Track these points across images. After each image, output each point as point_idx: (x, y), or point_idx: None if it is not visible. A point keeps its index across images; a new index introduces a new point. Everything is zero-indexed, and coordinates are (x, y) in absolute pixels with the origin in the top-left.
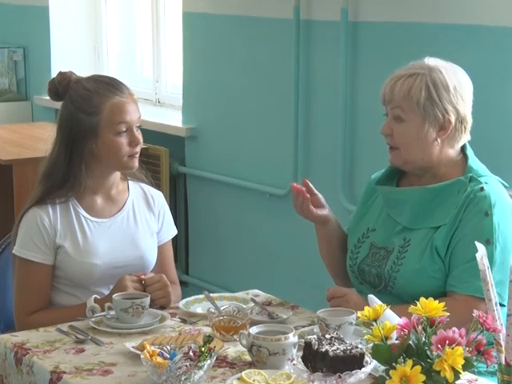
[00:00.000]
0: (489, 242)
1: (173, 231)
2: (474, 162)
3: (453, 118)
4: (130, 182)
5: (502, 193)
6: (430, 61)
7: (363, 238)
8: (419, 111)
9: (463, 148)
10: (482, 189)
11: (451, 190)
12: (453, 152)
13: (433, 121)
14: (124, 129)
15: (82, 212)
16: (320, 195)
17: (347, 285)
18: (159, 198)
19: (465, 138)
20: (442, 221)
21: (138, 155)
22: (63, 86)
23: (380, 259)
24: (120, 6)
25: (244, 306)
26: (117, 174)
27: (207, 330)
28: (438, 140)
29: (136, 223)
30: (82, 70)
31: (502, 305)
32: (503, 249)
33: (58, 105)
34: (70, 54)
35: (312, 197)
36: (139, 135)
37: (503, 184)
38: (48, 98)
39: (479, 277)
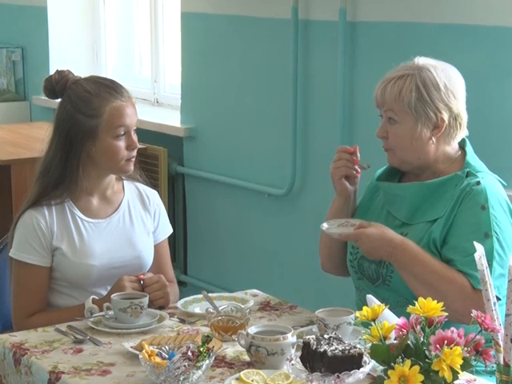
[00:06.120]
0: (488, 235)
1: (169, 230)
2: (472, 158)
3: (446, 116)
4: (124, 181)
5: (498, 189)
6: (420, 60)
7: None
8: (411, 112)
9: (463, 145)
10: (478, 183)
11: (448, 184)
12: (450, 149)
13: (425, 121)
14: (122, 132)
15: (78, 213)
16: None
17: (337, 271)
18: (154, 197)
19: (461, 133)
20: (439, 214)
21: (134, 159)
22: (60, 85)
23: None
24: (118, 6)
25: (242, 306)
26: (112, 175)
27: (206, 330)
28: (433, 139)
29: (132, 223)
30: (81, 70)
31: (498, 298)
32: (501, 242)
33: (57, 105)
34: (69, 54)
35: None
36: (136, 139)
37: (501, 183)
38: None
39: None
